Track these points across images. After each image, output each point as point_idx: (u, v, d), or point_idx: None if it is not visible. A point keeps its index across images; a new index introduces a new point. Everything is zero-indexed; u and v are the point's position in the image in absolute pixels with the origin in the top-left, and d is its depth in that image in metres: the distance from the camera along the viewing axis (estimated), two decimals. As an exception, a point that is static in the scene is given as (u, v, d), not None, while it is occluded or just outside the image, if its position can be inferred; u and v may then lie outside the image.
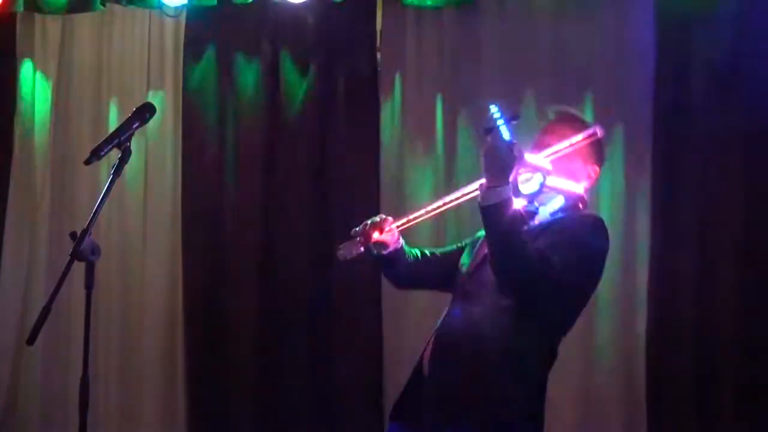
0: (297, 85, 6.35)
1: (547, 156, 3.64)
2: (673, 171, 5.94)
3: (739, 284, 5.82)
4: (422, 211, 3.95)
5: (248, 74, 6.39)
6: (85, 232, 3.40)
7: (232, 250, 6.35)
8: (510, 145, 3.39)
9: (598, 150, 3.82)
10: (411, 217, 3.96)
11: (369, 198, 6.21)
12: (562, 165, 3.68)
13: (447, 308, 3.77)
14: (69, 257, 3.38)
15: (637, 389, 5.96)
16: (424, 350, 3.75)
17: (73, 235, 3.41)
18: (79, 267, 3.43)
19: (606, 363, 6.05)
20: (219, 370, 6.30)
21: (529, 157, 3.53)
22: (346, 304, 6.23)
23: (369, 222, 3.92)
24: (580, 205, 3.75)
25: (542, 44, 6.21)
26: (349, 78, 6.32)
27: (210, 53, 6.40)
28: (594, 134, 3.72)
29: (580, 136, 3.69)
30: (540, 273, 3.42)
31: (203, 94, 6.40)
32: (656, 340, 5.89)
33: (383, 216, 3.96)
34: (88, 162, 3.54)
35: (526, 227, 3.50)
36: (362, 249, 3.95)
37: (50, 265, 6.36)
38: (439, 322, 3.75)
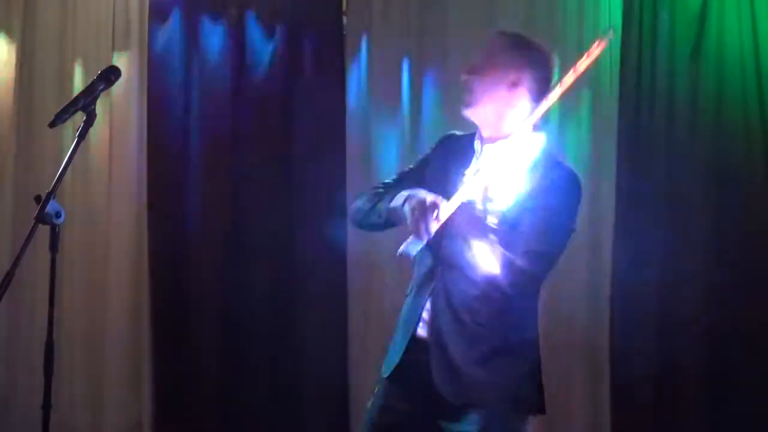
0: (262, 47, 6.33)
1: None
2: (638, 139, 5.97)
3: (707, 252, 5.89)
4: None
5: (214, 36, 6.37)
6: (49, 195, 3.39)
7: (198, 211, 6.35)
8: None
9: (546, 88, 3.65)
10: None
11: (335, 161, 6.23)
12: (505, 110, 3.60)
13: (424, 266, 3.68)
14: (33, 221, 3.37)
15: (601, 361, 6.01)
16: (413, 309, 3.69)
17: (37, 198, 3.40)
18: (43, 231, 3.42)
19: (570, 338, 6.09)
20: (185, 333, 6.31)
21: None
22: (312, 274, 6.26)
23: (431, 215, 3.43)
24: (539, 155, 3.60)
25: (510, 5, 6.22)
26: (314, 40, 6.31)
27: (175, 15, 6.36)
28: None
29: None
30: (520, 286, 3.48)
31: (169, 57, 6.37)
32: (620, 313, 5.92)
33: (435, 202, 3.48)
34: (52, 125, 3.52)
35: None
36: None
37: (15, 229, 6.33)
38: (418, 284, 3.70)
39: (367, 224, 3.80)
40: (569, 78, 3.46)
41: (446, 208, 3.42)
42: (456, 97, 3.67)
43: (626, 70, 5.99)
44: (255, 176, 6.32)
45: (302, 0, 6.31)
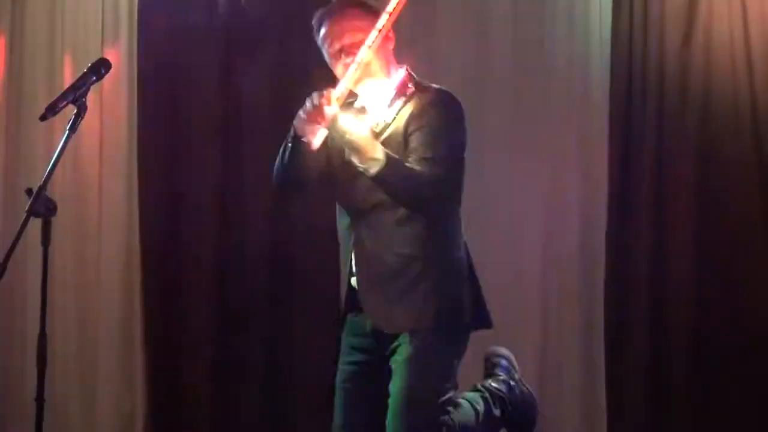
0: (251, 33, 6.31)
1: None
2: (629, 124, 5.99)
3: (695, 240, 5.93)
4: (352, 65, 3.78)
5: (205, 26, 6.34)
6: (41, 188, 3.39)
7: (189, 204, 6.34)
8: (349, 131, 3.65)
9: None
10: (347, 75, 3.77)
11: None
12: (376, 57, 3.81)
13: (343, 223, 3.90)
14: (25, 214, 3.37)
15: (596, 340, 6.04)
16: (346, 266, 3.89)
17: (29, 191, 3.41)
18: (34, 224, 3.42)
19: (566, 319, 6.11)
20: (178, 326, 6.31)
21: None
22: (309, 269, 6.27)
23: (315, 97, 3.69)
24: (410, 86, 3.84)
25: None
26: (303, 21, 6.26)
27: (165, 6, 6.34)
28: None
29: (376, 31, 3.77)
30: (429, 191, 3.66)
31: (159, 49, 6.35)
32: (614, 294, 5.96)
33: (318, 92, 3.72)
34: (43, 118, 3.53)
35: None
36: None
37: (5, 222, 6.32)
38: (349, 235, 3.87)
39: (285, 177, 3.90)
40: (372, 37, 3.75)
41: (333, 93, 3.66)
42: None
43: (617, 59, 6.01)
44: (247, 168, 6.31)
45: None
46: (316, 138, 3.68)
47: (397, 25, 6.14)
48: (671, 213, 5.96)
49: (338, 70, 3.83)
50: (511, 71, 6.13)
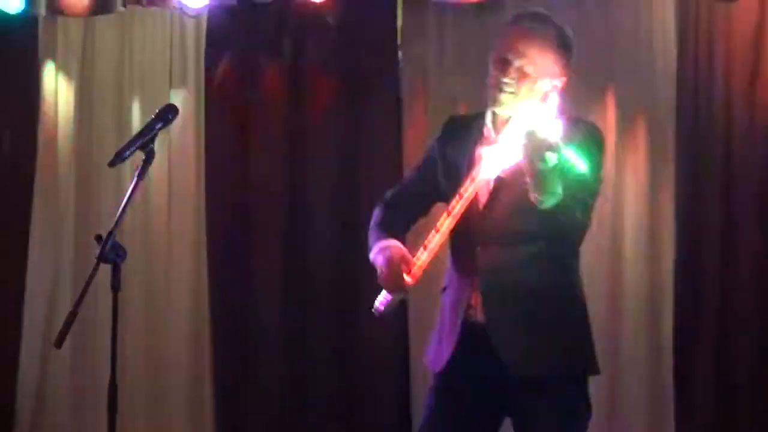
0: (318, 85, 6.32)
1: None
2: (695, 161, 5.94)
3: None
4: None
5: (270, 74, 6.37)
6: (110, 234, 3.41)
7: (257, 249, 6.36)
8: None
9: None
10: (429, 247, 3.70)
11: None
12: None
13: (459, 249, 3.75)
14: (95, 260, 3.39)
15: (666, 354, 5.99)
16: (459, 298, 3.73)
17: (98, 237, 3.42)
18: (105, 269, 3.44)
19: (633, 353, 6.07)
20: (248, 371, 6.32)
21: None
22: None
23: (400, 272, 3.65)
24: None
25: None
26: (370, 77, 6.29)
27: (231, 53, 6.39)
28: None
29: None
30: (582, 223, 3.59)
31: (225, 95, 6.40)
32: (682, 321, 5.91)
33: (405, 258, 3.69)
34: (112, 164, 3.55)
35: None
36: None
37: (76, 267, 6.38)
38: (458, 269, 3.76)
39: None
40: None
41: (419, 260, 3.60)
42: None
43: (683, 97, 5.96)
44: (314, 212, 6.32)
45: (357, 35, 6.29)
46: (385, 305, 3.66)
47: (462, 50, 6.18)
48: (740, 258, 5.89)
49: (492, 73, 3.70)
50: (576, 113, 6.10)
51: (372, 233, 3.88)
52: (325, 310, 6.31)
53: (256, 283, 6.35)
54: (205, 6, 6.18)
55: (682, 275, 5.92)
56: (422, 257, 3.69)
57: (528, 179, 3.32)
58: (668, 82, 6.03)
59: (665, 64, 6.05)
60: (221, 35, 6.39)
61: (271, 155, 6.37)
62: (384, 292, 3.72)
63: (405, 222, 3.96)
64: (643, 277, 6.04)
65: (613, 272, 6.06)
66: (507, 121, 3.64)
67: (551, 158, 3.19)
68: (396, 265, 3.64)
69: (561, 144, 3.19)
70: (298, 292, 6.32)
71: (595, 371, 3.74)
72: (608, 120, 6.04)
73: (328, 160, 6.33)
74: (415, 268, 3.66)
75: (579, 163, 3.28)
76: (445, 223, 3.66)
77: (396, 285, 3.64)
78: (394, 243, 3.73)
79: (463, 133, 3.83)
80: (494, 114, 3.75)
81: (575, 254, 3.75)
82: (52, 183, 6.51)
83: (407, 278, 3.65)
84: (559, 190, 3.32)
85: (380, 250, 3.73)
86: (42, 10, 6.20)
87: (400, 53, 6.33)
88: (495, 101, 3.69)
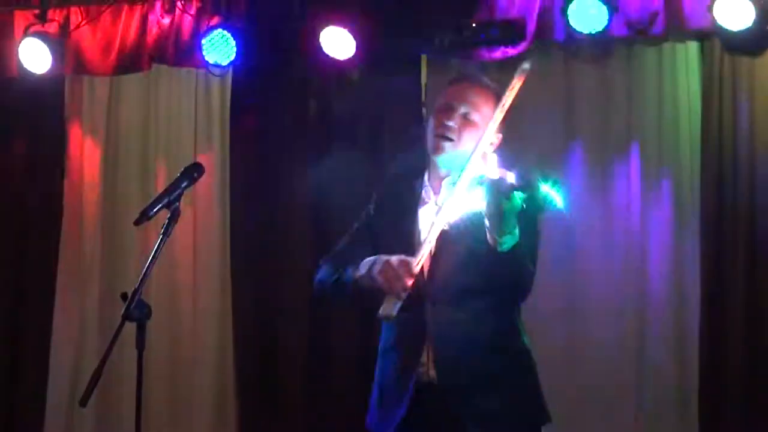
0: (345, 141, 6.32)
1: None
2: (721, 223, 5.90)
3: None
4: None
5: (296, 132, 6.39)
6: (135, 292, 3.41)
7: (282, 305, 6.34)
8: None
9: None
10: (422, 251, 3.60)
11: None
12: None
13: (406, 309, 3.59)
14: (120, 318, 3.39)
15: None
16: (409, 358, 3.69)
17: (123, 296, 3.43)
18: (130, 327, 3.44)
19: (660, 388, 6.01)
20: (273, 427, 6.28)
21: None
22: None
23: (402, 273, 3.52)
24: None
25: (587, 93, 6.22)
26: (395, 134, 6.28)
27: (257, 111, 6.42)
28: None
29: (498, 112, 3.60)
30: (531, 272, 3.58)
31: (251, 153, 6.42)
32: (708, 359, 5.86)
33: (403, 260, 3.56)
34: (137, 222, 3.56)
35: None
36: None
37: (101, 324, 6.40)
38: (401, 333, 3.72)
39: (335, 299, 3.89)
40: (499, 114, 3.57)
41: (414, 262, 3.50)
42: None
43: (707, 153, 5.93)
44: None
45: (382, 91, 6.30)
46: (390, 308, 3.53)
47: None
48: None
49: (434, 121, 3.75)
50: (598, 176, 6.13)
51: (337, 274, 3.78)
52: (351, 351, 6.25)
53: (281, 342, 6.33)
54: (230, 64, 6.20)
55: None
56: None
57: (487, 223, 3.33)
58: (693, 139, 6.02)
59: (690, 122, 6.05)
60: (246, 94, 6.41)
61: (296, 213, 6.36)
62: (388, 297, 3.55)
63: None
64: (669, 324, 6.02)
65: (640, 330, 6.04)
66: (443, 178, 3.74)
67: (517, 196, 3.19)
68: (396, 267, 3.52)
69: (524, 183, 3.20)
70: (320, 351, 6.28)
71: (548, 419, 3.75)
72: (632, 176, 6.03)
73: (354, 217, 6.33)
74: (416, 267, 3.55)
75: (554, 196, 3.21)
76: None
77: (401, 287, 3.50)
78: (378, 256, 3.64)
79: (401, 196, 3.88)
80: (431, 173, 3.82)
81: (519, 307, 3.76)
82: (78, 241, 6.57)
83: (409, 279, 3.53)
84: (517, 231, 3.34)
85: (369, 264, 3.63)
86: (68, 70, 6.25)
87: (424, 110, 6.34)
88: (436, 149, 3.73)
